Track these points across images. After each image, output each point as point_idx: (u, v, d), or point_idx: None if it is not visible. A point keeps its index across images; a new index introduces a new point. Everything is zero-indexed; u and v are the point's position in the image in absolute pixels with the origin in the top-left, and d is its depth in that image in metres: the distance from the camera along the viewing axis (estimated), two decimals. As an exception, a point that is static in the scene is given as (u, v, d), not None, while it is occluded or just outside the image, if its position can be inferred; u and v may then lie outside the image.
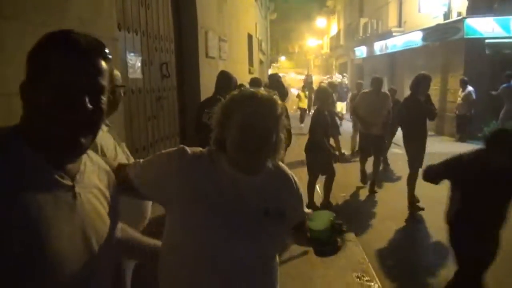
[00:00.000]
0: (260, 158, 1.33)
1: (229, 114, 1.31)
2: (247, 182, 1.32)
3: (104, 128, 1.91)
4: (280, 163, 1.46)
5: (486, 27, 11.09)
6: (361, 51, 22.20)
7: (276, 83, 5.77)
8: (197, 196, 1.26)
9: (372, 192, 6.39)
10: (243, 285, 1.26)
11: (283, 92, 5.66)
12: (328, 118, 5.46)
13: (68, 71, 0.92)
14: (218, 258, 1.23)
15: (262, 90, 1.35)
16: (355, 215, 5.42)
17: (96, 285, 0.98)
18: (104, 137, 1.86)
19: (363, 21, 20.68)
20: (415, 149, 5.44)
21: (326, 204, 5.51)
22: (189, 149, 1.33)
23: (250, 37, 12.12)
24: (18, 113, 1.07)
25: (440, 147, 10.43)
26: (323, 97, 5.61)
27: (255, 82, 6.80)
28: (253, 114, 1.27)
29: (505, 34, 11.01)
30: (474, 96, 10.78)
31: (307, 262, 3.86)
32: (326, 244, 1.30)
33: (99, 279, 0.99)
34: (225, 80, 4.71)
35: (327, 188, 5.60)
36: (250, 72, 11.49)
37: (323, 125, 5.33)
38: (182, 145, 1.35)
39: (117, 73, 2.04)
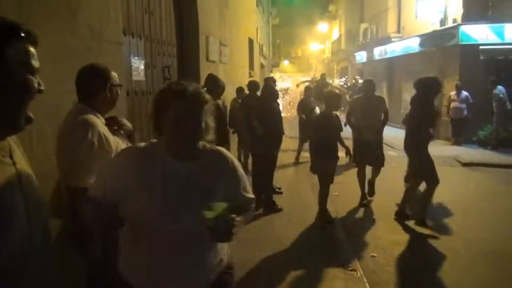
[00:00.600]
0: (194, 145, 1.58)
1: (162, 108, 1.53)
2: (185, 166, 1.56)
3: (103, 120, 2.19)
4: (220, 148, 1.70)
5: (481, 33, 11.37)
6: (361, 56, 22.50)
7: (268, 85, 6.06)
8: (144, 183, 1.50)
9: (366, 199, 6.09)
10: (186, 251, 1.54)
11: (275, 94, 5.95)
12: (337, 121, 5.20)
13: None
14: (167, 231, 1.50)
15: (190, 85, 1.54)
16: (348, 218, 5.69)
17: (35, 240, 1.12)
18: (103, 126, 2.14)
19: (363, 26, 21.00)
20: (427, 156, 5.07)
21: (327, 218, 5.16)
22: (132, 147, 1.60)
23: (251, 41, 12.42)
24: (33, 110, 1.23)
25: (437, 151, 10.68)
26: (330, 99, 5.20)
27: (252, 84, 7.11)
28: (183, 109, 1.49)
29: (499, 41, 11.29)
30: (471, 100, 11.06)
31: (296, 252, 4.14)
32: (214, 229, 1.45)
33: (36, 237, 1.13)
34: (212, 82, 5.03)
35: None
36: (250, 76, 11.77)
37: (333, 129, 5.06)
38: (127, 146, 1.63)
39: (114, 74, 2.32)
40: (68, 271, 2.46)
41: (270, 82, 6.60)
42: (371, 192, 6.25)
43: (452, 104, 11.36)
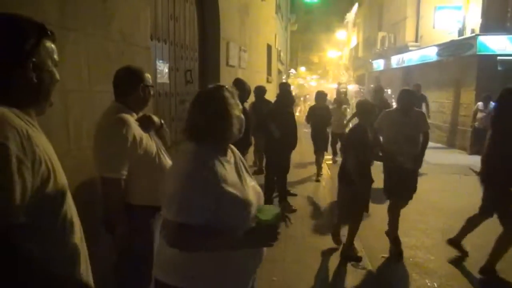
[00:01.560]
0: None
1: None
2: (230, 167, 1.76)
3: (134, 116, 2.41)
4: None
5: (499, 44, 11.37)
6: (378, 64, 22.53)
7: (284, 90, 6.24)
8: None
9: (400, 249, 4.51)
10: None
11: (291, 99, 6.13)
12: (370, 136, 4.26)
13: None
14: None
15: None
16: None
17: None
18: (136, 125, 2.36)
19: (381, 34, 21.05)
20: None
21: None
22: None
23: (269, 47, 12.65)
24: (72, 107, 1.51)
25: (452, 159, 10.72)
26: (366, 110, 4.35)
27: (259, 90, 7.38)
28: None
29: (517, 52, 11.28)
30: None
31: (308, 249, 4.31)
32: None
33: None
34: (240, 86, 5.26)
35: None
36: (268, 81, 11.99)
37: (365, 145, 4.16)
38: None
39: (148, 75, 2.55)
40: (100, 256, 2.70)
41: (286, 87, 6.79)
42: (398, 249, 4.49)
43: (479, 115, 11.04)
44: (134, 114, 2.40)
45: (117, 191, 2.22)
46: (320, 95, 8.24)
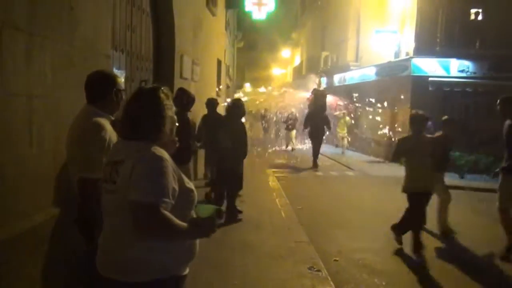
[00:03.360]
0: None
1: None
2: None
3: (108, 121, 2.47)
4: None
5: (430, 67, 12.49)
6: (322, 82, 23.56)
7: (236, 105, 6.39)
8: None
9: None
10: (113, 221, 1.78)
11: (241, 112, 6.30)
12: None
13: None
14: None
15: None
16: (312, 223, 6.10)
17: None
18: (110, 127, 2.43)
19: (324, 54, 22.13)
20: None
21: None
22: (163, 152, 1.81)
23: (219, 62, 12.86)
24: (35, 112, 1.55)
25: (391, 171, 11.46)
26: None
27: (210, 102, 7.51)
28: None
29: (445, 74, 12.47)
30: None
31: (263, 254, 4.46)
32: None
33: None
34: (182, 94, 5.32)
35: None
36: (217, 95, 12.14)
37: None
38: None
39: (120, 79, 2.63)
40: (70, 254, 2.67)
41: (237, 101, 6.97)
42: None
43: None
44: (110, 117, 2.46)
45: (96, 191, 2.25)
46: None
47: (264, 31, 36.72)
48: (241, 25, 26.02)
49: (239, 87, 32.69)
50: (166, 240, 1.72)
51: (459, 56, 12.39)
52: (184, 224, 1.68)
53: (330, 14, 22.63)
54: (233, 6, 16.26)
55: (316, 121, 12.33)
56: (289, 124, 17.25)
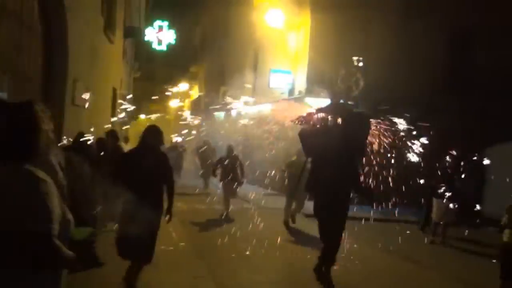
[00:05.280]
0: None
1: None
2: None
3: None
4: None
5: (320, 105, 13.52)
6: (220, 116, 23.97)
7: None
8: None
9: None
10: None
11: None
12: None
13: None
14: None
15: None
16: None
17: None
18: None
19: (223, 89, 22.67)
20: None
21: None
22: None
23: (114, 90, 12.34)
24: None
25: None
26: None
27: (113, 134, 7.09)
28: None
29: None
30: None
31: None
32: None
33: None
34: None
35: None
36: (112, 124, 11.55)
37: None
38: None
39: None
40: None
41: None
42: None
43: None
44: None
45: None
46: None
47: (162, 63, 36.47)
48: (138, 55, 25.50)
49: (134, 118, 31.50)
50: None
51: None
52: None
53: (229, 52, 23.47)
54: (131, 36, 15.88)
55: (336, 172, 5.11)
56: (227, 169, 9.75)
